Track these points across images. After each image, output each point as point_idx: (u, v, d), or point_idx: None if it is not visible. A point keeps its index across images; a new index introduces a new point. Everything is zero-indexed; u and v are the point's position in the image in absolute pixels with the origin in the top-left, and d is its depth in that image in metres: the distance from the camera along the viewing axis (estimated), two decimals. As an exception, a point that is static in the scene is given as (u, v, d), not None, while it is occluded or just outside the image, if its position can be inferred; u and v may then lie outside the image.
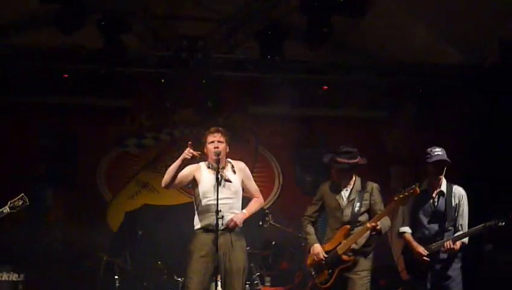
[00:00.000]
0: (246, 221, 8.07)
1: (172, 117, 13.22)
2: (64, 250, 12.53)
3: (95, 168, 13.14)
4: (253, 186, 8.21)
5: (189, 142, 7.65)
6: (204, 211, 7.79)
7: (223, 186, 7.69)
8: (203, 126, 11.29)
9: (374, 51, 12.50)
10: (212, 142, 7.86)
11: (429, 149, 8.16)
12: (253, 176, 12.58)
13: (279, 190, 13.53)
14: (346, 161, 8.16)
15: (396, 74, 12.41)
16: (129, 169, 13.27)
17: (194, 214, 7.94)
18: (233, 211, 7.80)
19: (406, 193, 7.66)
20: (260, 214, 11.18)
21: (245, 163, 11.35)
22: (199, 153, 7.70)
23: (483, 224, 7.89)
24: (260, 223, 10.54)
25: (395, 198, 7.74)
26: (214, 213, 7.57)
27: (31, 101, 12.64)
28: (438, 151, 8.10)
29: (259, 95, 12.87)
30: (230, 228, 7.74)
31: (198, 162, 7.97)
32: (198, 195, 7.85)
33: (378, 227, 7.81)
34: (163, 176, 7.88)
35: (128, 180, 13.23)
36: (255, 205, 8.14)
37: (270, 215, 11.20)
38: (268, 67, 11.75)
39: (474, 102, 12.46)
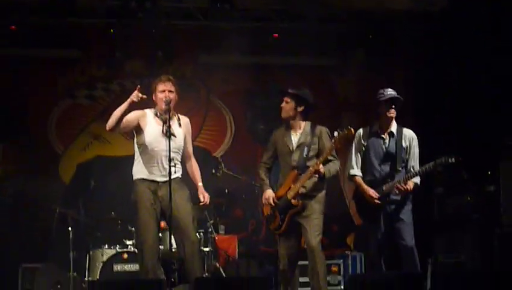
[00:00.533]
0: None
1: (122, 68, 13.05)
2: (16, 204, 12.44)
3: (45, 120, 13.00)
4: (190, 146, 8.18)
5: (138, 86, 7.60)
6: (147, 160, 7.77)
7: (167, 139, 7.63)
8: (154, 76, 11.23)
9: (324, -1, 12.50)
10: (163, 91, 7.79)
11: (382, 89, 8.24)
12: (205, 125, 12.77)
13: (232, 139, 13.52)
14: (292, 90, 8.22)
15: (346, 20, 12.43)
16: (80, 121, 13.15)
17: (136, 163, 7.90)
18: (176, 163, 7.76)
19: (342, 134, 7.74)
20: (213, 162, 11.24)
21: (196, 112, 11.40)
22: (146, 97, 7.63)
23: (434, 161, 7.99)
24: (213, 171, 10.54)
25: (333, 141, 7.84)
26: (157, 164, 7.65)
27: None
28: (391, 91, 8.18)
29: (209, 44, 12.80)
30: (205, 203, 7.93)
31: (143, 109, 7.93)
32: (142, 143, 7.78)
33: (321, 171, 7.88)
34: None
35: (79, 132, 13.12)
36: (197, 171, 8.20)
37: (222, 164, 11.22)
38: (218, 15, 11.72)
39: (423, 47, 12.57)
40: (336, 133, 7.85)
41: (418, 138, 8.40)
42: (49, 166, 12.86)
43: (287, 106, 8.27)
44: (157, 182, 7.70)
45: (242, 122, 13.54)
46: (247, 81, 13.35)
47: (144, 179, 7.77)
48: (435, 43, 12.37)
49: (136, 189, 7.80)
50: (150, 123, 7.80)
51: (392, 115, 8.25)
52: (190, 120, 8.20)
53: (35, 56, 12.78)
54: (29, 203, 12.42)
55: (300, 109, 8.22)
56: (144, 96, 7.57)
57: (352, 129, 7.78)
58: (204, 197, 7.95)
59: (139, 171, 7.84)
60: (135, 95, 7.52)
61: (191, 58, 13.36)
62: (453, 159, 7.87)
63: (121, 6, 11.72)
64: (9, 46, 12.32)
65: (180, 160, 7.94)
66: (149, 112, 7.89)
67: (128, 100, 7.57)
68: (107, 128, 7.73)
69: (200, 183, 8.07)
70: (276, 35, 12.65)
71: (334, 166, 8.09)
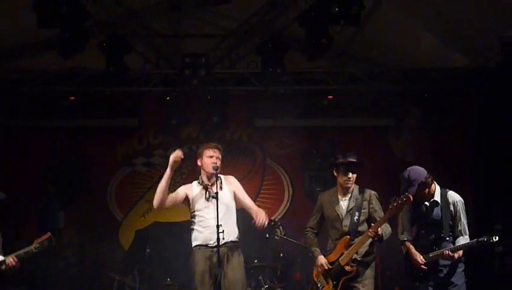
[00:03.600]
0: (252, 234, 8.11)
1: (179, 134, 13.24)
2: (77, 271, 12.60)
3: (105, 188, 13.24)
4: (247, 197, 8.01)
5: (178, 148, 7.68)
6: (199, 227, 7.77)
7: (214, 201, 7.59)
8: (210, 142, 11.37)
9: (377, 59, 12.49)
10: (211, 156, 7.83)
11: (406, 177, 8.07)
12: (262, 189, 12.77)
13: (289, 202, 13.52)
14: (343, 159, 8.16)
15: (400, 80, 12.37)
16: (138, 188, 13.34)
17: (191, 232, 7.89)
18: (227, 224, 7.67)
19: (400, 201, 7.64)
20: (267, 226, 11.20)
21: (254, 176, 11.43)
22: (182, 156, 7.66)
23: (476, 239, 7.83)
24: (267, 236, 10.50)
25: (390, 206, 7.73)
26: (209, 228, 7.61)
27: (39, 124, 12.76)
28: (408, 183, 8.03)
29: (264, 108, 12.91)
30: (260, 226, 7.63)
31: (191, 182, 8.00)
32: (193, 212, 7.83)
33: (379, 233, 7.79)
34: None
35: (138, 199, 13.31)
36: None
37: (281, 228, 11.20)
38: (271, 80, 11.76)
39: (479, 104, 12.41)
40: (392, 199, 7.77)
41: (475, 196, 8.26)
42: (109, 232, 13.05)
43: (354, 177, 8.22)
44: (211, 247, 7.65)
45: (299, 184, 13.51)
46: (302, 143, 13.39)
47: (199, 245, 7.76)
48: (490, 99, 12.19)
49: (193, 256, 7.79)
50: (196, 192, 7.86)
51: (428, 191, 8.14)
52: (247, 184, 8.19)
53: (94, 125, 13.03)
54: (90, 270, 12.56)
55: (348, 173, 8.18)
56: (181, 156, 7.61)
57: (410, 196, 7.68)
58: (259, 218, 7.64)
59: (195, 238, 7.83)
60: (177, 155, 7.60)
61: (246, 123, 13.48)
62: (496, 238, 7.73)
63: (176, 74, 11.91)
64: (70, 116, 12.62)
65: (232, 223, 7.85)
66: (194, 183, 7.97)
67: (170, 163, 7.65)
68: (154, 205, 7.78)
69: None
70: (331, 97, 12.63)
71: (387, 229, 8.00)
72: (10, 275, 7.73)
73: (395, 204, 7.64)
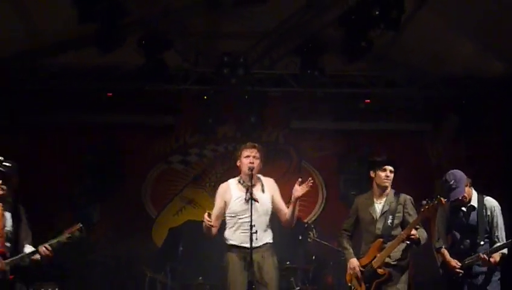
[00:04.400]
0: (285, 236, 8.08)
1: (215, 134, 13.28)
2: (110, 266, 12.67)
3: (140, 185, 13.32)
4: (282, 202, 8.01)
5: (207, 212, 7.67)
6: (235, 228, 7.76)
7: (254, 204, 7.60)
8: (246, 142, 11.38)
9: (416, 64, 12.40)
10: (248, 156, 7.81)
11: (445, 180, 8.02)
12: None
13: (323, 205, 13.50)
14: (381, 158, 8.15)
15: (438, 86, 12.32)
16: (174, 185, 13.40)
17: (225, 229, 7.89)
18: (263, 227, 7.71)
19: (432, 204, 7.58)
20: (300, 228, 11.19)
21: (289, 178, 11.39)
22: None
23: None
24: (300, 238, 10.49)
25: (422, 209, 7.67)
26: (245, 231, 7.58)
27: (76, 119, 12.82)
28: (452, 185, 7.96)
29: (301, 109, 12.90)
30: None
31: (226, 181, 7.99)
32: (230, 212, 7.81)
33: (415, 236, 7.73)
34: (207, 193, 7.94)
35: (172, 196, 13.37)
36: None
37: (314, 230, 11.16)
38: (309, 81, 11.74)
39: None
40: (424, 202, 7.72)
41: (509, 202, 8.18)
42: (142, 229, 13.10)
43: (392, 176, 8.19)
44: (247, 248, 7.60)
45: (334, 188, 13.48)
46: (339, 146, 13.37)
47: (234, 245, 7.76)
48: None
49: (227, 255, 7.79)
50: (234, 192, 7.84)
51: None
52: (282, 186, 8.15)
53: (130, 121, 13.08)
54: (123, 265, 12.62)
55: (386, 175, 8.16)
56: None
57: (442, 199, 7.62)
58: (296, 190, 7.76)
59: (229, 237, 7.83)
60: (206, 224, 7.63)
61: (283, 124, 13.48)
62: None
63: (213, 73, 11.92)
64: (106, 112, 12.70)
65: (268, 225, 7.84)
66: (232, 181, 7.95)
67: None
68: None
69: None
70: (368, 100, 12.59)
71: (423, 233, 7.95)
72: (44, 265, 7.75)
73: (426, 207, 7.60)
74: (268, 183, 7.98)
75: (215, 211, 7.85)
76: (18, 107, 12.27)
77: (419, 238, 7.78)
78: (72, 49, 11.86)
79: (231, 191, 7.86)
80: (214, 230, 7.70)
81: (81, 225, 7.74)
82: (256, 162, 7.80)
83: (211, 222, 7.59)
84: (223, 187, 7.96)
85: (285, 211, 7.87)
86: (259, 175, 7.94)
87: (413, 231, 7.74)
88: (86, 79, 11.91)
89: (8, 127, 12.41)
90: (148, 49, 11.13)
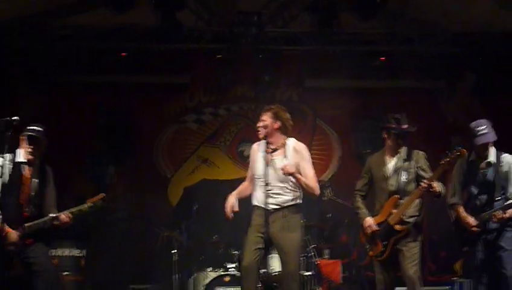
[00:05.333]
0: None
1: (229, 92, 13.31)
2: (125, 225, 12.78)
3: (154, 144, 13.37)
4: (308, 172, 7.80)
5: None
6: (259, 189, 7.71)
7: (275, 168, 7.60)
8: (260, 101, 11.37)
9: (431, 21, 12.30)
10: (259, 122, 7.85)
11: (474, 126, 8.01)
12: (312, 150, 12.77)
13: (339, 163, 13.50)
14: (397, 126, 8.11)
15: (453, 43, 12.21)
16: (188, 145, 13.44)
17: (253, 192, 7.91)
18: (285, 190, 7.67)
19: (453, 156, 7.56)
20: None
21: (304, 136, 11.35)
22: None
23: None
24: (316, 196, 10.50)
25: (442, 161, 7.64)
26: (267, 192, 7.57)
27: (90, 80, 12.88)
28: (483, 130, 7.94)
29: (315, 68, 12.82)
30: (285, 174, 7.55)
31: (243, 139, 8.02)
32: (254, 173, 7.83)
33: (435, 189, 7.73)
34: (222, 151, 7.95)
35: (187, 155, 13.40)
36: (310, 182, 7.76)
37: (329, 189, 11.17)
38: (323, 39, 11.70)
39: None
40: (445, 155, 7.68)
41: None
42: (157, 188, 13.17)
43: (387, 140, 8.21)
44: (268, 209, 7.63)
45: (349, 146, 13.47)
46: (353, 104, 13.31)
47: (257, 206, 7.77)
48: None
49: (252, 214, 7.82)
50: (258, 154, 7.85)
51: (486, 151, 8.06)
52: (296, 144, 8.09)
53: (144, 82, 13.11)
54: (138, 225, 12.72)
55: (399, 140, 8.11)
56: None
57: (464, 150, 7.60)
58: (285, 167, 7.55)
59: (254, 197, 7.84)
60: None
61: (297, 83, 13.45)
62: None
63: (227, 32, 11.86)
64: (120, 72, 12.72)
65: (292, 188, 7.73)
66: (261, 143, 7.88)
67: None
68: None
69: (299, 176, 7.64)
70: (383, 58, 12.51)
71: (442, 186, 7.92)
72: (61, 229, 7.86)
73: (447, 159, 7.57)
74: (298, 148, 7.88)
75: (248, 171, 7.97)
76: (34, 67, 12.27)
77: (440, 191, 7.80)
78: (87, 10, 11.82)
79: (255, 153, 7.88)
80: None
81: (104, 195, 7.82)
82: (263, 131, 7.74)
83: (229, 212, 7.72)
84: (252, 148, 7.99)
85: (309, 176, 7.79)
86: (291, 140, 7.88)
87: (434, 184, 7.73)
88: (101, 39, 11.85)
89: (25, 87, 12.46)
90: (162, 9, 11.10)
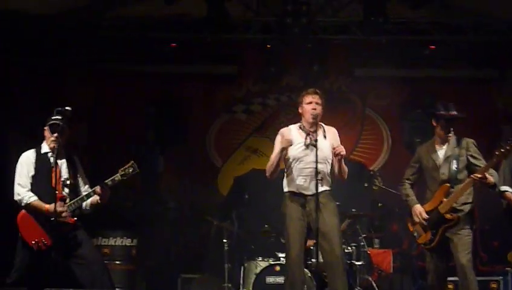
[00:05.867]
0: (351, 184, 8.08)
1: (278, 82, 13.32)
2: (175, 215, 12.88)
3: (204, 135, 13.45)
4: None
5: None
6: (295, 174, 7.70)
7: (313, 150, 7.51)
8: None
9: (483, 10, 12.16)
10: (310, 102, 7.72)
11: None
12: (361, 139, 12.76)
13: (388, 152, 13.44)
14: (445, 112, 8.08)
15: (505, 32, 12.05)
16: (238, 135, 13.51)
17: (284, 177, 7.88)
18: (323, 173, 7.60)
19: (508, 147, 7.51)
20: (368, 176, 11.19)
21: (353, 126, 11.33)
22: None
23: None
24: (365, 185, 10.49)
25: (496, 152, 7.60)
26: (304, 177, 7.59)
27: (140, 70, 12.93)
28: None
29: (365, 57, 12.80)
30: (337, 155, 7.55)
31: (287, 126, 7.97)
32: (289, 158, 7.74)
33: (489, 180, 7.68)
34: (271, 141, 7.93)
35: (237, 146, 13.48)
36: (343, 165, 7.74)
37: (379, 178, 11.14)
38: (373, 29, 11.60)
39: None
40: (499, 146, 7.64)
41: None
42: (208, 178, 13.28)
43: (437, 128, 8.18)
44: (305, 195, 7.65)
45: (398, 135, 13.38)
46: (403, 94, 13.23)
47: (293, 192, 7.76)
48: None
49: (286, 202, 7.79)
50: (295, 138, 7.76)
51: None
52: (346, 134, 8.10)
53: (194, 72, 13.17)
54: (189, 215, 12.81)
55: (448, 127, 8.08)
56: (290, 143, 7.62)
57: None
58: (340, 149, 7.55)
59: (288, 184, 7.82)
60: (286, 142, 7.60)
61: (346, 72, 13.42)
62: None
63: (276, 22, 11.86)
64: (170, 62, 12.83)
65: (328, 172, 7.77)
66: (293, 127, 7.89)
67: (279, 147, 7.66)
68: (268, 175, 7.80)
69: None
70: (433, 47, 12.41)
71: (496, 176, 7.89)
72: (105, 203, 7.92)
73: (502, 150, 7.52)
74: (331, 131, 7.88)
75: (274, 155, 7.79)
76: (85, 58, 12.41)
77: (494, 182, 7.76)
78: (137, 1, 11.91)
79: (292, 136, 7.79)
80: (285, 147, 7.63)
81: (132, 162, 7.87)
82: (319, 108, 7.72)
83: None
84: (284, 131, 7.88)
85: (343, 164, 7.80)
86: (322, 123, 7.88)
87: (487, 175, 7.70)
88: (151, 30, 11.92)
89: (75, 78, 12.61)
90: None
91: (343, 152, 7.52)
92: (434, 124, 8.23)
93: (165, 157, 13.22)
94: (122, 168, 7.87)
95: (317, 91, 7.84)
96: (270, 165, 7.74)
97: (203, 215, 11.60)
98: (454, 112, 8.09)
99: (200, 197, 12.94)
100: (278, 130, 7.89)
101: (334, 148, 7.57)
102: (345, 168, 7.72)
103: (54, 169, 7.75)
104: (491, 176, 7.74)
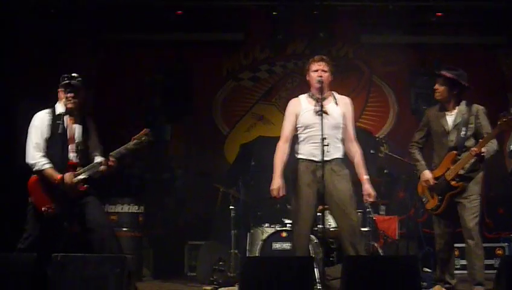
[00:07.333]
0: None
1: (285, 50, 13.29)
2: (182, 182, 12.93)
3: (210, 102, 13.42)
4: (351, 127, 7.87)
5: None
6: (306, 141, 7.73)
7: (324, 117, 7.50)
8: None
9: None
10: (316, 70, 7.72)
11: None
12: (368, 106, 12.72)
13: (395, 119, 13.41)
14: (446, 73, 8.08)
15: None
16: (244, 102, 13.48)
17: (296, 143, 7.89)
18: (333, 141, 7.65)
19: (510, 117, 7.51)
20: (374, 143, 11.19)
21: (359, 93, 11.30)
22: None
23: None
24: (371, 152, 10.48)
25: (499, 122, 7.61)
26: (314, 143, 7.59)
27: (145, 38, 12.89)
28: None
29: (371, 24, 12.73)
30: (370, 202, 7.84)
31: (297, 96, 7.97)
32: (300, 125, 7.76)
33: (482, 153, 7.71)
34: (277, 108, 7.95)
35: (243, 113, 13.45)
36: (361, 160, 7.87)
37: (385, 145, 11.15)
38: (380, -6, 11.59)
39: None
40: (502, 114, 7.64)
41: None
42: (214, 145, 13.29)
43: (441, 89, 8.18)
44: (316, 162, 7.63)
45: (405, 102, 13.32)
46: (409, 60, 13.12)
47: (303, 159, 7.76)
48: None
49: (296, 168, 7.81)
50: (304, 105, 7.79)
51: None
52: (353, 101, 8.05)
53: (200, 40, 13.07)
54: (196, 182, 12.85)
55: (454, 91, 8.09)
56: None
57: None
58: (370, 196, 7.76)
59: (299, 151, 7.83)
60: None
61: (353, 39, 13.32)
62: None
63: (282, -12, 11.83)
64: (175, 30, 12.77)
65: (339, 139, 7.77)
66: (302, 96, 7.91)
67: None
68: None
69: (366, 177, 7.79)
70: (440, 14, 12.36)
71: (492, 146, 7.92)
72: (111, 173, 7.95)
73: (504, 119, 7.53)
74: (343, 100, 7.89)
75: (286, 125, 7.86)
76: (91, 27, 12.38)
77: (484, 155, 7.79)
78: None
79: (301, 103, 7.83)
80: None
81: (148, 130, 7.86)
82: (325, 75, 7.71)
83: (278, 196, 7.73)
84: (293, 101, 7.93)
85: (351, 134, 7.84)
86: (334, 92, 7.89)
87: (483, 149, 7.73)
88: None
89: (82, 46, 12.59)
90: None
91: (371, 199, 7.77)
92: (437, 87, 8.24)
93: (173, 125, 13.22)
94: (136, 137, 7.87)
95: (323, 58, 7.83)
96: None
97: (209, 183, 11.64)
98: (445, 73, 8.10)
99: (206, 165, 12.97)
100: (285, 97, 7.93)
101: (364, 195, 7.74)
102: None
103: (67, 132, 7.79)
104: (491, 143, 7.78)
